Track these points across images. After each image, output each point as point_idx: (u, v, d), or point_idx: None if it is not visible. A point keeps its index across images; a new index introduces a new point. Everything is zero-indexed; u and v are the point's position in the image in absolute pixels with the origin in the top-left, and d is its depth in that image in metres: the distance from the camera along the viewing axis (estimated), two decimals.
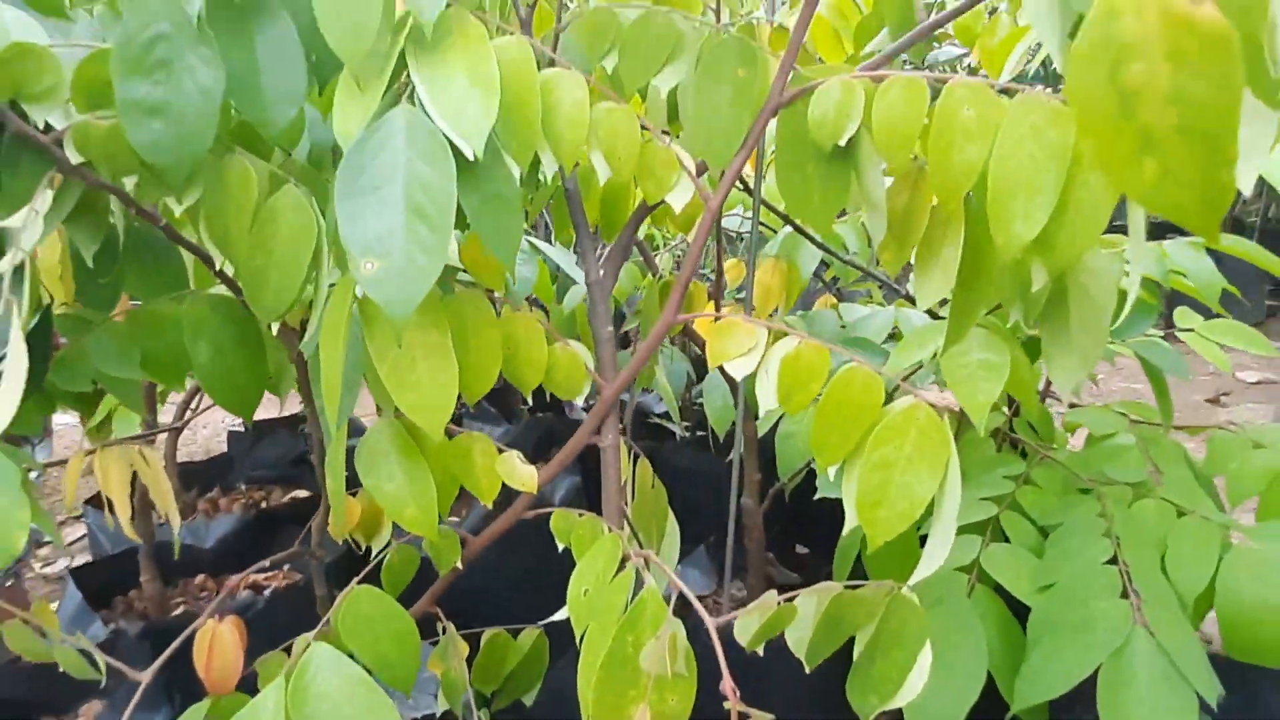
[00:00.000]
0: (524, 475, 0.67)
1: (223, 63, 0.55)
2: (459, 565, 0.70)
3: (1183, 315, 1.14)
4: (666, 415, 1.79)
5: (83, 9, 0.66)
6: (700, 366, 1.54)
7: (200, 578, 1.18)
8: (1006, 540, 0.85)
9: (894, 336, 1.18)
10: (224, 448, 1.67)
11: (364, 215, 0.51)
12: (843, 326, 1.23)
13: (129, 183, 0.58)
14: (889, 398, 0.61)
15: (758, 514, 1.07)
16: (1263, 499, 0.92)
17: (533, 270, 1.12)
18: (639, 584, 0.59)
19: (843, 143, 0.56)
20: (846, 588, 0.60)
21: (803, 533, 1.44)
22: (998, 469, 0.96)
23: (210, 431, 2.74)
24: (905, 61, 1.37)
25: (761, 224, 1.13)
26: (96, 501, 1.29)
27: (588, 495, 1.42)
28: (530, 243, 1.14)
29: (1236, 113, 0.26)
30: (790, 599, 0.56)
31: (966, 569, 0.82)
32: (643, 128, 0.60)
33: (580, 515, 0.69)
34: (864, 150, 0.58)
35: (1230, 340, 1.08)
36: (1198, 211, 0.28)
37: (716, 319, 0.63)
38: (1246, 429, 1.01)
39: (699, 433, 1.70)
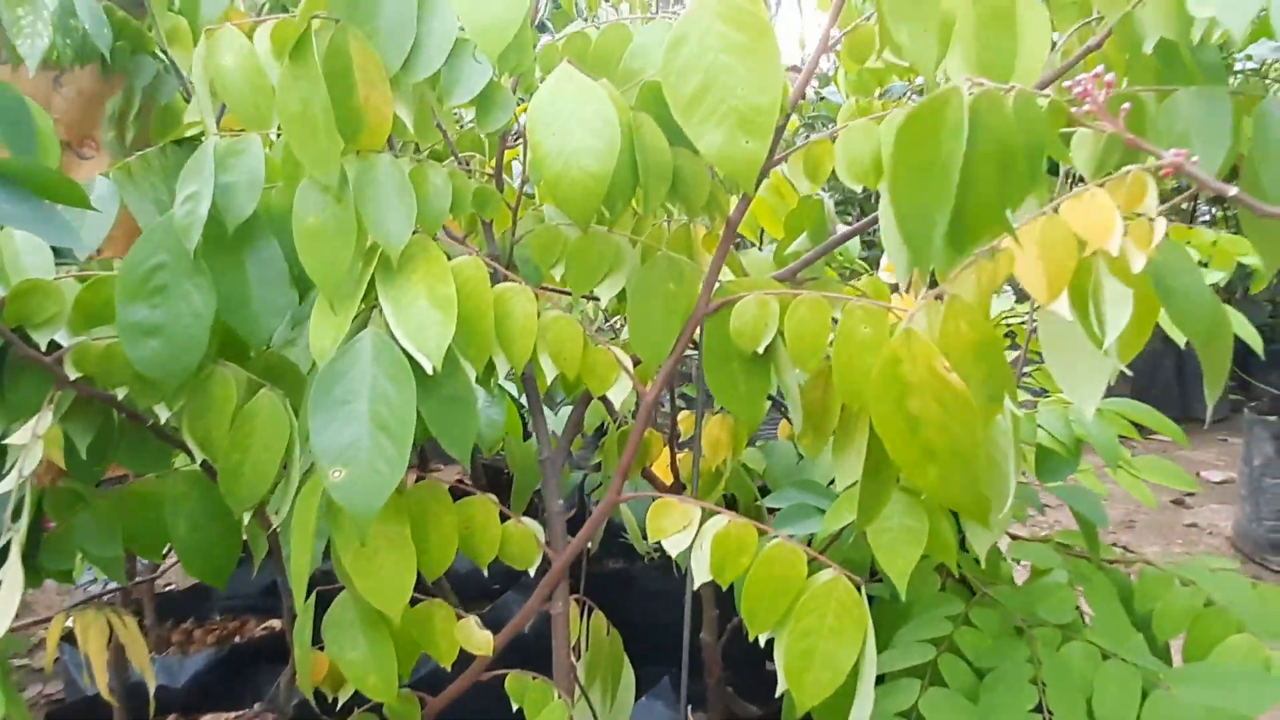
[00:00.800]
0: (480, 640, 0.72)
1: (215, 287, 0.62)
2: None
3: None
4: None
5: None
6: None
7: (172, 718, 1.19)
8: (945, 684, 0.90)
9: None
10: None
11: (333, 427, 0.57)
12: (801, 456, 1.30)
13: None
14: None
15: (716, 650, 1.11)
16: (1188, 638, 0.97)
17: (501, 412, 1.19)
18: None
19: (760, 350, 0.64)
20: None
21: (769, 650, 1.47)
22: (939, 608, 1.01)
23: None
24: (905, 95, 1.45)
25: None
26: (72, 638, 1.31)
27: None
28: (500, 385, 1.21)
29: (979, 451, 0.34)
30: None
31: (906, 714, 0.86)
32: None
33: (534, 678, 0.74)
34: (780, 354, 0.65)
35: (1156, 477, 1.16)
36: (970, 508, 0.35)
37: (655, 498, 0.69)
38: (1176, 564, 1.06)
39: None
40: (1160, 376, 3.58)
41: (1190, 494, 2.96)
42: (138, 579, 1.06)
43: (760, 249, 1.22)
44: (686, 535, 0.69)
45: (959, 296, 0.38)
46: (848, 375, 0.61)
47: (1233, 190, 0.39)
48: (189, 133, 1.08)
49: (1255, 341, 1.04)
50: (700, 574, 0.68)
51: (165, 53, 1.27)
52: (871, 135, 0.62)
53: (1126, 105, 0.40)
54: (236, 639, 1.38)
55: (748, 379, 0.67)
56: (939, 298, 0.38)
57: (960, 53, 0.64)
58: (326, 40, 0.60)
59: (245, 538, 0.79)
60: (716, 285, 0.66)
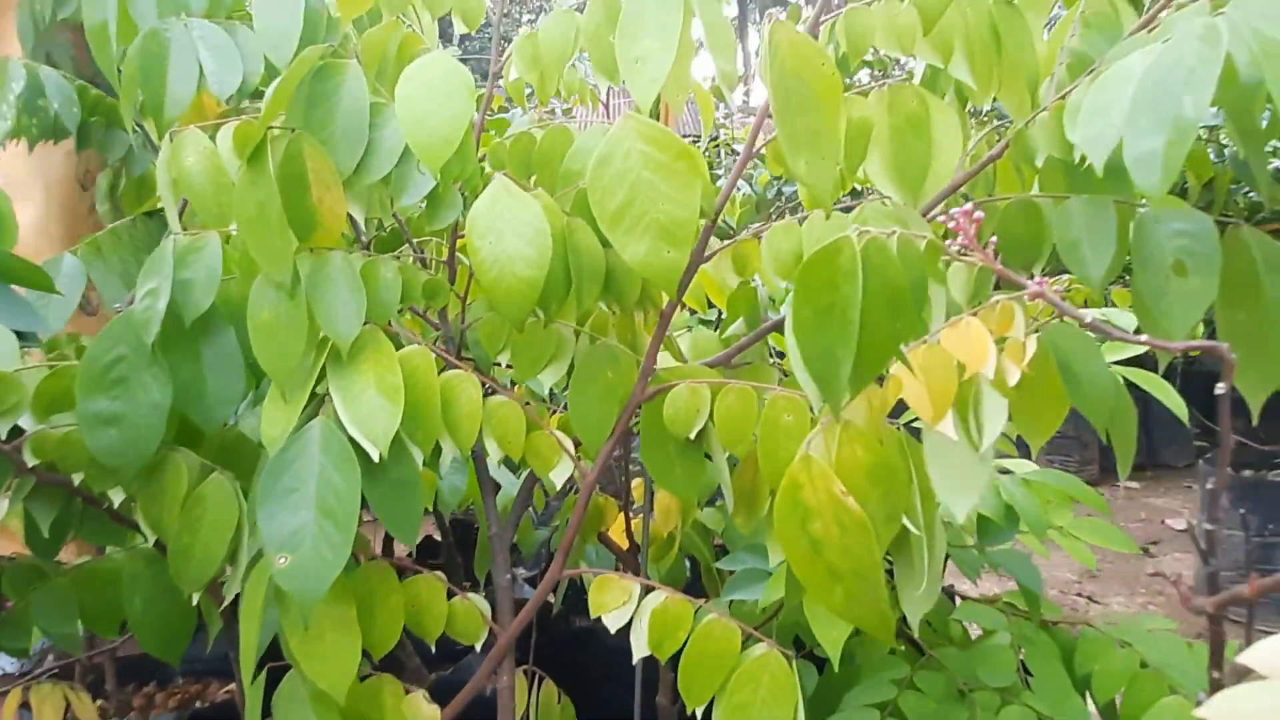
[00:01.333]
0: (428, 715, 0.74)
1: (171, 378, 0.65)
2: None
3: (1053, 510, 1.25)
4: None
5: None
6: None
7: None
8: None
9: None
10: None
11: (281, 515, 0.60)
12: None
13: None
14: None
15: (672, 713, 1.13)
16: (1124, 700, 1.00)
17: (463, 479, 1.22)
18: None
19: (692, 436, 0.68)
20: None
21: None
22: (887, 671, 1.04)
23: None
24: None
25: None
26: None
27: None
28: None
29: (880, 573, 0.36)
30: None
31: None
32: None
33: None
34: (712, 439, 0.69)
35: (1096, 539, 1.19)
36: (876, 625, 0.38)
37: (596, 573, 0.72)
38: (1116, 625, 1.10)
39: None
40: None
41: (1154, 542, 3.00)
42: (101, 648, 1.06)
43: (722, 315, 1.27)
44: (626, 610, 0.71)
45: (853, 422, 0.41)
46: (772, 461, 0.64)
47: (1090, 316, 0.43)
48: (161, 204, 1.12)
49: (1180, 409, 1.08)
50: (639, 649, 0.71)
51: (141, 127, 1.31)
52: (793, 234, 0.67)
53: (994, 237, 0.44)
54: (198, 703, 1.37)
55: (683, 461, 0.71)
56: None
57: (878, 157, 0.69)
58: (283, 147, 0.64)
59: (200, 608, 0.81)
60: (653, 372, 0.70)
